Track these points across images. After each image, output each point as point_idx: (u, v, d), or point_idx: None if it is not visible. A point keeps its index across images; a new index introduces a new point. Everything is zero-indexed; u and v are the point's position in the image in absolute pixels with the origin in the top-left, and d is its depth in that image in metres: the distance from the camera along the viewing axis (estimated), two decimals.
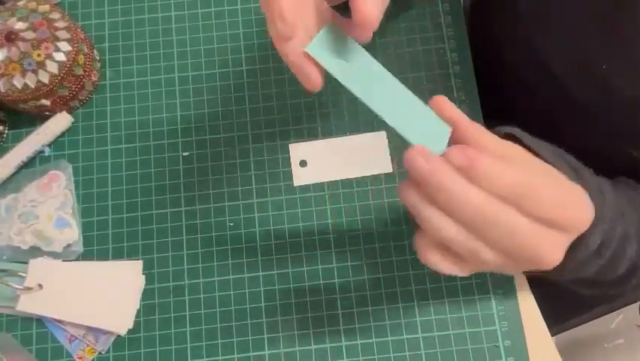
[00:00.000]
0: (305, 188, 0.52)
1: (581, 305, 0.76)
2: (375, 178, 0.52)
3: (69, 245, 0.50)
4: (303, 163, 0.52)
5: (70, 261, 0.50)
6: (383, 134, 0.53)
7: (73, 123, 0.53)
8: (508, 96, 0.55)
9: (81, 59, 0.51)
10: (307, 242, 0.50)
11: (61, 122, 0.52)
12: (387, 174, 0.52)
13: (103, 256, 0.51)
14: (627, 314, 0.98)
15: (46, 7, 0.50)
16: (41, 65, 0.48)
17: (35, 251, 0.50)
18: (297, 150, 0.53)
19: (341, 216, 0.51)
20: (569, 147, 0.44)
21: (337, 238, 0.50)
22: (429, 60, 0.54)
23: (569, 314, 0.77)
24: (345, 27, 0.35)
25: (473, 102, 0.53)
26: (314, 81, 0.33)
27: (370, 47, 0.55)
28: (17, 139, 0.53)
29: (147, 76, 0.55)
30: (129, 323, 0.49)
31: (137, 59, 0.56)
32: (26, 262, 0.50)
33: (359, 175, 0.52)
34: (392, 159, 0.52)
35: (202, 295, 0.50)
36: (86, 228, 0.51)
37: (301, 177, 0.52)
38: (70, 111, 0.53)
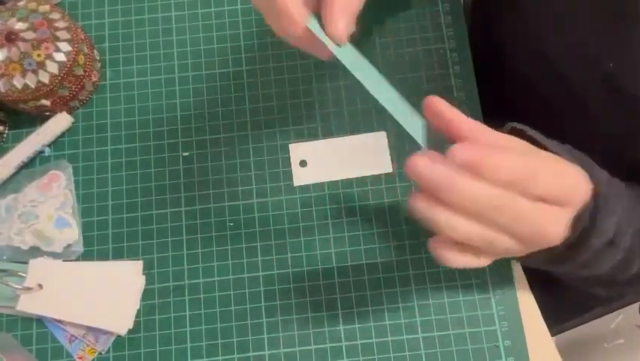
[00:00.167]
0: (305, 188, 0.52)
1: (581, 305, 0.75)
2: (375, 178, 0.52)
3: (69, 245, 0.50)
4: (303, 163, 0.52)
5: (70, 261, 0.50)
6: (383, 134, 0.53)
7: (73, 123, 0.53)
8: (510, 96, 0.55)
9: (81, 59, 0.51)
10: (307, 242, 0.50)
11: (61, 122, 0.52)
12: (387, 174, 0.52)
13: (103, 256, 0.51)
14: (627, 314, 0.98)
15: (46, 8, 0.50)
16: (41, 65, 0.48)
17: (35, 251, 0.50)
18: (297, 150, 0.53)
19: (341, 216, 0.51)
20: (573, 146, 0.44)
21: (337, 238, 0.50)
22: (429, 60, 0.54)
23: (569, 314, 0.77)
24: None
25: (473, 102, 0.53)
26: (326, 52, 0.35)
27: (371, 47, 0.55)
28: (17, 139, 0.53)
29: (147, 76, 0.55)
30: (129, 323, 0.49)
31: (137, 59, 0.56)
32: (26, 262, 0.50)
33: (359, 175, 0.52)
34: (392, 159, 0.52)
35: (202, 295, 0.50)
36: (86, 228, 0.51)
37: (301, 177, 0.52)
38: (70, 111, 0.53)
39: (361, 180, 0.52)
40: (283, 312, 0.49)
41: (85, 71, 0.52)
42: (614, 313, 0.93)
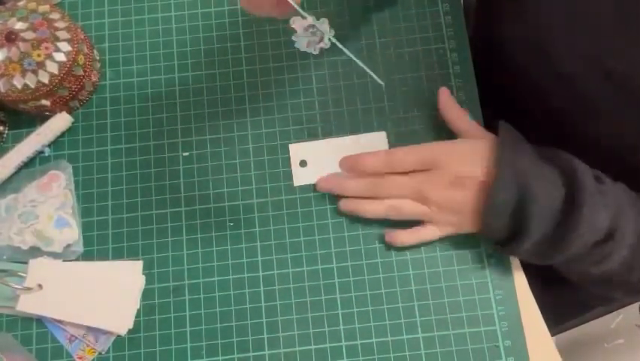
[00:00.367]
0: (305, 188, 0.52)
1: (581, 305, 0.75)
2: None
3: (69, 245, 0.50)
4: (303, 163, 0.52)
5: (70, 261, 0.50)
6: (383, 134, 0.53)
7: (73, 123, 0.53)
8: (513, 96, 0.55)
9: (81, 59, 0.51)
10: (307, 242, 0.50)
11: (61, 122, 0.52)
12: None
13: (103, 256, 0.51)
14: (627, 314, 0.98)
15: (46, 7, 0.50)
16: (41, 65, 0.48)
17: (35, 251, 0.50)
18: (297, 150, 0.53)
19: (341, 216, 0.51)
20: (577, 147, 0.45)
21: (337, 238, 0.50)
22: (429, 60, 0.54)
23: (569, 314, 0.77)
24: None
25: (473, 102, 0.53)
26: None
27: (371, 47, 0.55)
28: (17, 139, 0.53)
29: (147, 76, 0.55)
30: (129, 323, 0.49)
31: (137, 59, 0.56)
32: (26, 262, 0.50)
33: None
34: None
35: (202, 295, 0.50)
36: (86, 228, 0.51)
37: (301, 177, 0.52)
38: (70, 111, 0.53)
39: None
40: (283, 312, 0.49)
41: (85, 71, 0.52)
42: (614, 313, 0.93)
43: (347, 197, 0.50)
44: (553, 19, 0.46)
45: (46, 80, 0.49)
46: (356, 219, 0.51)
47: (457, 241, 0.50)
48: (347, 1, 0.56)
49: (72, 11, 0.57)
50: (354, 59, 0.41)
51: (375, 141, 0.52)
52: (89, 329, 0.49)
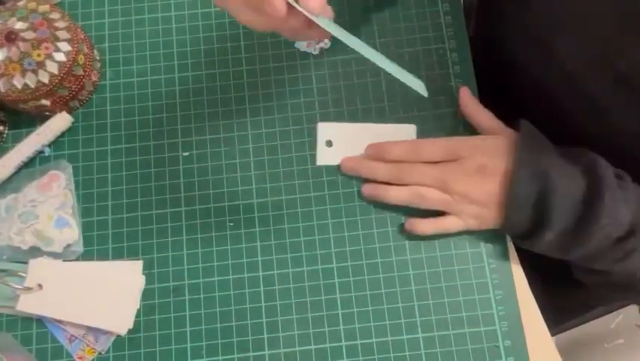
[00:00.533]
0: (305, 188, 0.52)
1: (581, 305, 0.75)
2: None
3: (69, 245, 0.50)
4: (329, 143, 0.52)
5: (70, 261, 0.50)
6: (413, 127, 0.52)
7: (73, 123, 0.53)
8: (514, 96, 0.55)
9: (81, 59, 0.51)
10: (307, 242, 0.50)
11: (61, 122, 0.52)
12: None
13: (103, 256, 0.51)
14: (627, 314, 0.98)
15: (46, 7, 0.50)
16: (41, 65, 0.48)
17: (35, 251, 0.50)
18: (325, 130, 0.52)
19: (341, 216, 0.51)
20: (579, 146, 0.45)
21: (337, 238, 0.50)
22: (429, 60, 0.54)
23: (569, 314, 0.77)
24: None
25: None
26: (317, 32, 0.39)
27: (371, 48, 0.55)
28: (17, 139, 0.53)
29: (147, 76, 0.55)
30: (129, 323, 0.49)
31: (137, 59, 0.56)
32: (26, 262, 0.50)
33: None
34: None
35: (202, 295, 0.50)
36: (86, 228, 0.51)
37: (325, 157, 0.52)
38: (70, 111, 0.53)
39: (362, 180, 0.52)
40: (283, 312, 0.49)
41: (85, 71, 0.52)
42: (614, 313, 0.93)
43: (370, 182, 0.50)
44: (553, 18, 0.46)
45: (46, 80, 0.49)
46: (356, 220, 0.51)
47: (457, 241, 0.50)
48: (347, 1, 0.56)
49: (72, 11, 0.57)
50: (389, 69, 0.40)
51: (404, 132, 0.52)
52: (89, 329, 0.49)
